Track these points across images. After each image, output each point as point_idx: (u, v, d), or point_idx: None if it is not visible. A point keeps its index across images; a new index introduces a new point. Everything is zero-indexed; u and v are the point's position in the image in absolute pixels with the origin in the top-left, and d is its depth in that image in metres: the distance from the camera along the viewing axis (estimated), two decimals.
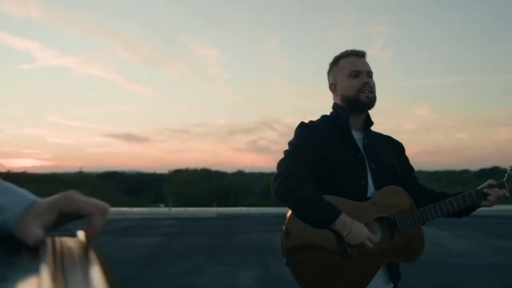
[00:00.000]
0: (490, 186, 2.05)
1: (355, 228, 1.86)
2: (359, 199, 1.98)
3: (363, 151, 2.07)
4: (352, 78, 2.07)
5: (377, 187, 2.03)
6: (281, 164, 1.98)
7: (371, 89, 2.08)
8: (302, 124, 2.09)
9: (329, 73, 2.20)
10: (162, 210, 16.93)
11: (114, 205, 21.93)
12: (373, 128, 2.18)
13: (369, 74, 2.11)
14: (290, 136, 2.09)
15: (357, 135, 2.11)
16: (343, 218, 1.86)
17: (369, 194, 2.02)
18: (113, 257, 7.71)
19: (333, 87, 2.16)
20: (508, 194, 2.05)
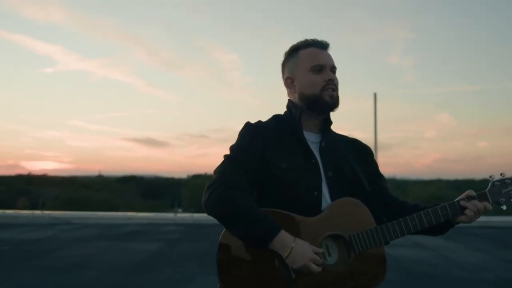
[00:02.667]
0: (469, 198, 1.73)
1: (297, 248, 1.57)
2: (312, 213, 1.70)
3: (318, 156, 1.78)
4: (314, 74, 1.78)
5: (334, 198, 1.74)
6: (216, 171, 1.71)
7: (336, 87, 1.79)
8: (246, 125, 1.81)
9: (284, 65, 1.90)
10: (168, 215, 16.76)
11: (131, 209, 21.84)
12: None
13: (333, 69, 1.82)
14: None
15: (312, 137, 1.82)
16: (283, 236, 1.58)
17: (323, 207, 1.73)
18: (108, 263, 7.54)
19: (289, 82, 1.87)
20: (490, 207, 1.73)
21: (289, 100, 1.88)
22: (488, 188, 1.75)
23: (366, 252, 1.68)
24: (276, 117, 1.87)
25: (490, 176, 1.77)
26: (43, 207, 21.19)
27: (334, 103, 1.78)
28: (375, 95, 21.51)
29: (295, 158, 1.74)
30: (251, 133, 1.77)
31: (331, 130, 1.88)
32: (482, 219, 1.81)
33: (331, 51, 1.84)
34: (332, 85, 1.77)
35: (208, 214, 1.65)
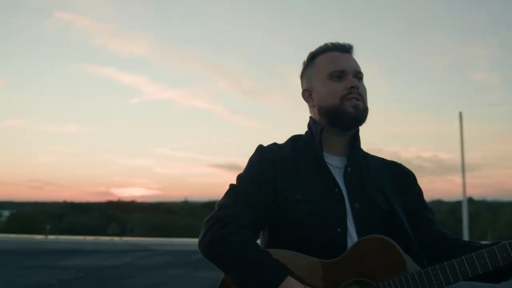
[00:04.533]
0: None
1: None
2: (335, 254, 1.38)
3: (342, 184, 1.47)
4: (334, 81, 1.48)
5: (362, 236, 1.41)
6: (217, 203, 1.45)
7: (360, 96, 1.48)
8: (258, 149, 1.54)
9: (302, 75, 1.62)
10: None
11: None
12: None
13: (358, 75, 1.51)
14: None
15: (335, 161, 1.51)
16: (290, 283, 1.28)
17: (349, 246, 1.40)
18: None
19: (307, 94, 1.58)
20: None
21: (310, 117, 1.59)
22: None
23: None
24: (294, 138, 1.58)
25: None
26: (131, 232, 21.80)
27: (359, 115, 1.46)
28: (460, 114, 20.42)
29: (313, 187, 1.44)
30: (262, 158, 1.49)
31: (361, 151, 1.56)
32: None
33: (357, 55, 1.54)
34: (355, 93, 1.46)
35: (204, 255, 1.39)
